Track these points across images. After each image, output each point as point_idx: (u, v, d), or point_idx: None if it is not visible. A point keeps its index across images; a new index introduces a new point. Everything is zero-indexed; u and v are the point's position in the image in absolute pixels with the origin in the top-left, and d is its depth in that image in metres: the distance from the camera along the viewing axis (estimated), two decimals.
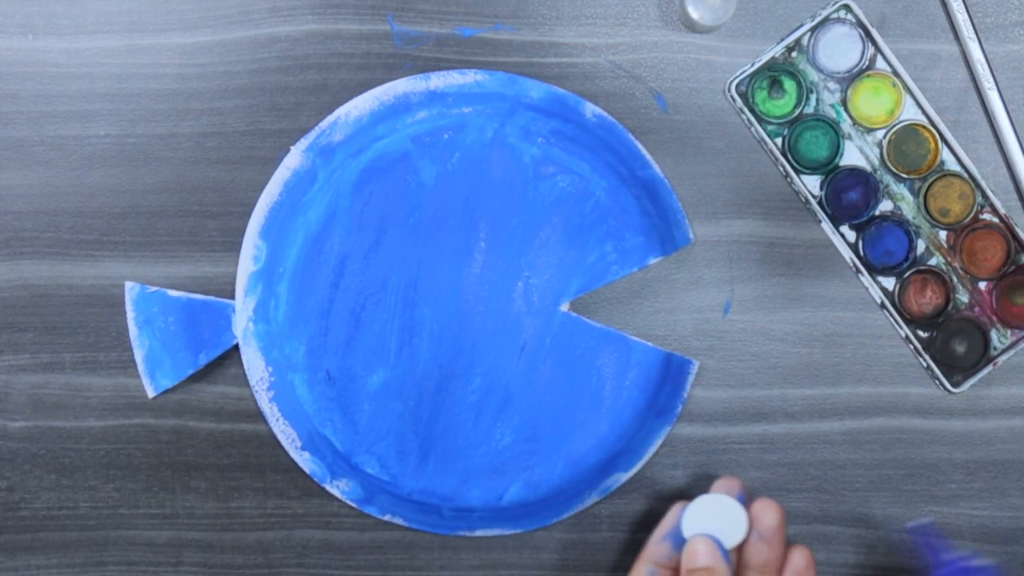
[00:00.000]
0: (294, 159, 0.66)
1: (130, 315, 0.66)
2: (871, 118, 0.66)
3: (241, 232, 0.67)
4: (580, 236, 0.67)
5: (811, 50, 0.66)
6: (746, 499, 0.62)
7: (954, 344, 0.67)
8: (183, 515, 0.67)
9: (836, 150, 0.67)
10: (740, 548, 0.61)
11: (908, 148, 0.67)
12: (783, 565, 0.61)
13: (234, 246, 0.67)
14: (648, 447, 0.66)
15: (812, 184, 0.67)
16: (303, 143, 0.66)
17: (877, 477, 0.68)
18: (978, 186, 0.66)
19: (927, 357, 0.67)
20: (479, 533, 0.67)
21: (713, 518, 0.61)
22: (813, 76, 0.66)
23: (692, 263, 0.68)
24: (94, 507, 0.67)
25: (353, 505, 0.67)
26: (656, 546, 0.62)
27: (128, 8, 0.67)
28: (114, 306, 0.67)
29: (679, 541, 0.61)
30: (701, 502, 0.62)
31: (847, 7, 0.66)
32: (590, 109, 0.66)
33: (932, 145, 0.66)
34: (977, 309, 0.67)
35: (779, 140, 0.67)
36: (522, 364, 0.67)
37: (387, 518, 0.67)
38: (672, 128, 0.67)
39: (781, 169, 0.67)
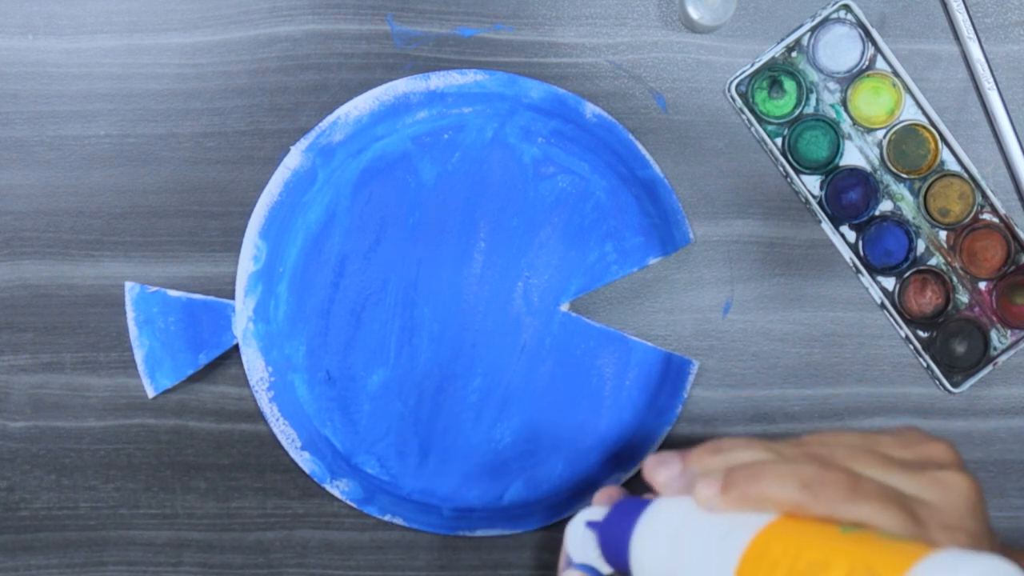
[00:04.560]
0: (294, 159, 0.66)
1: (130, 315, 0.66)
2: (871, 118, 0.66)
3: (241, 232, 0.67)
4: (580, 236, 0.67)
5: (811, 50, 0.66)
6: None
7: (954, 344, 0.67)
8: (183, 515, 0.67)
9: (836, 150, 0.67)
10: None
11: (908, 148, 0.67)
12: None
13: (234, 246, 0.67)
14: (648, 447, 0.66)
15: (812, 184, 0.67)
16: (303, 143, 0.66)
17: None
18: (978, 186, 0.66)
19: (927, 357, 0.67)
20: (479, 533, 0.67)
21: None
22: (813, 76, 0.66)
23: (692, 263, 0.68)
24: (94, 507, 0.67)
25: (353, 505, 0.67)
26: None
27: (128, 8, 0.67)
28: (114, 306, 0.67)
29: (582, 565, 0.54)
30: (578, 522, 0.55)
31: (847, 7, 0.66)
32: (590, 109, 0.66)
33: (932, 145, 0.66)
34: (977, 309, 0.67)
35: (779, 140, 0.67)
36: (522, 364, 0.67)
37: (387, 518, 0.67)
38: (672, 128, 0.67)
39: (781, 169, 0.67)
